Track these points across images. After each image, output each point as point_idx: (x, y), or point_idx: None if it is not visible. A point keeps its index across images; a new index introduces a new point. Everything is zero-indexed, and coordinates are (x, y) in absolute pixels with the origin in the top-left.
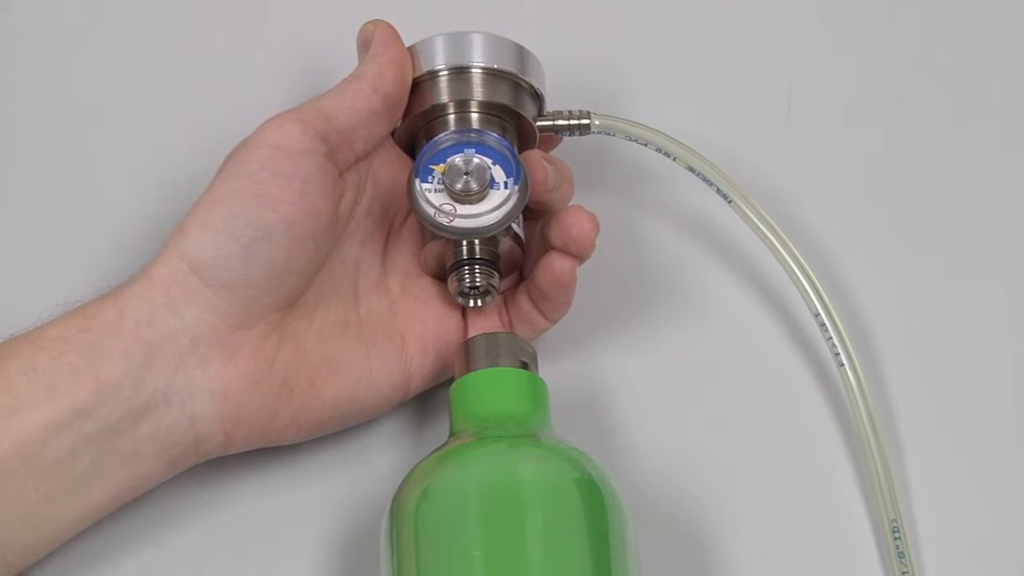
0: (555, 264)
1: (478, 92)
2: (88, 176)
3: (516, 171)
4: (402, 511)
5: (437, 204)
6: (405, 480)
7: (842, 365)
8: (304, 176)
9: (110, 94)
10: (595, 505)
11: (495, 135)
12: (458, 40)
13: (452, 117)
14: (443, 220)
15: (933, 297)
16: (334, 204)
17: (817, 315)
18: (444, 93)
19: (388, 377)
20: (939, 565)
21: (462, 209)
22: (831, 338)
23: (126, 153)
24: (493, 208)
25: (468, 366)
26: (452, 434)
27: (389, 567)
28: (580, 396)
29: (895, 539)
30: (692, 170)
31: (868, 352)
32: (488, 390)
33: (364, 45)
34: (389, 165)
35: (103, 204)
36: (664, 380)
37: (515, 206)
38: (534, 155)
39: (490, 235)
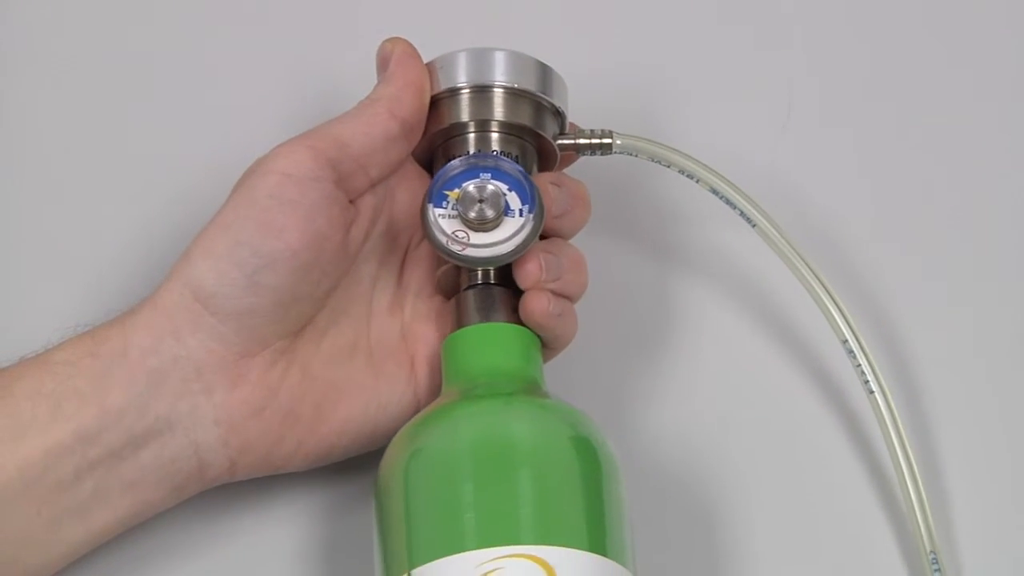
0: (527, 304)
1: (499, 112)
2: (99, 191)
3: (531, 199)
4: (392, 471)
5: (449, 232)
6: (395, 439)
7: (872, 392)
8: (311, 204)
9: (119, 108)
10: (590, 463)
11: (511, 161)
12: (480, 57)
13: (472, 136)
14: (456, 248)
15: (970, 316)
16: (342, 231)
17: (845, 342)
18: (465, 112)
19: (398, 401)
20: None
21: (475, 237)
22: (859, 365)
23: (137, 168)
24: (507, 237)
25: (460, 321)
26: (444, 391)
27: (379, 529)
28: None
29: (934, 572)
30: (715, 192)
31: (902, 380)
32: (480, 345)
33: (383, 64)
34: (407, 185)
35: (113, 221)
36: (685, 407)
37: (529, 235)
38: (541, 180)
39: (504, 264)
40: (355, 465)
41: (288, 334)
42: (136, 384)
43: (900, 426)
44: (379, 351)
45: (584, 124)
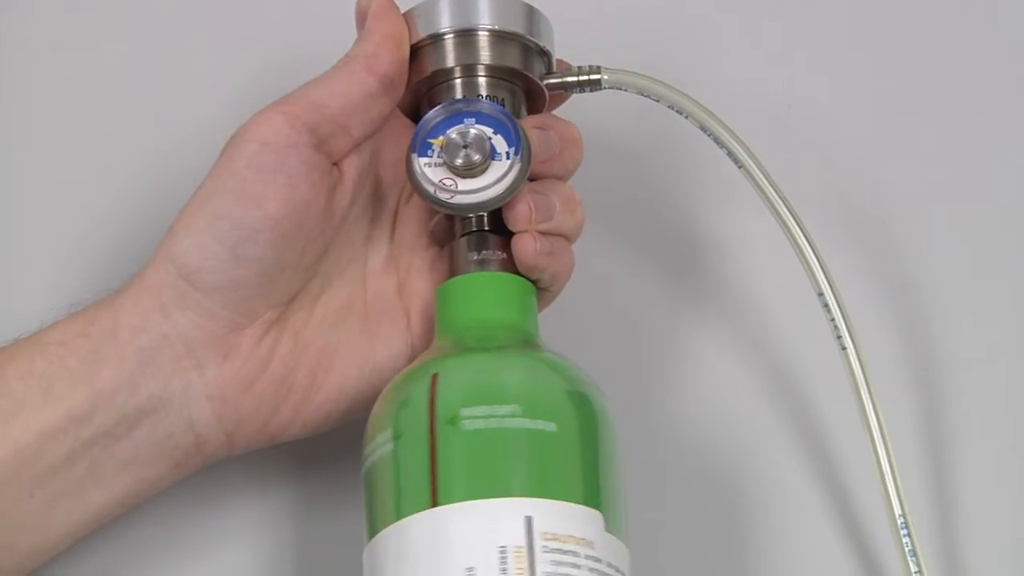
0: (516, 245)
1: (485, 56)
2: (88, 174)
3: (516, 141)
4: (381, 422)
5: (436, 180)
6: (384, 392)
7: (844, 348)
8: (290, 171)
9: (108, 90)
10: (585, 418)
11: (494, 104)
12: (463, 1)
13: (458, 82)
14: (444, 196)
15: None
16: (325, 195)
17: (821, 294)
18: (449, 58)
19: (394, 362)
20: None
21: (463, 184)
22: (833, 319)
23: (127, 149)
24: (495, 181)
25: (454, 269)
26: (436, 343)
27: (366, 484)
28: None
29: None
30: (704, 130)
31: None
32: (472, 295)
33: (361, 20)
34: (394, 139)
35: (104, 202)
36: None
37: (517, 178)
38: (526, 123)
39: (493, 209)
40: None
41: (278, 304)
42: (127, 363)
43: (870, 384)
44: (374, 311)
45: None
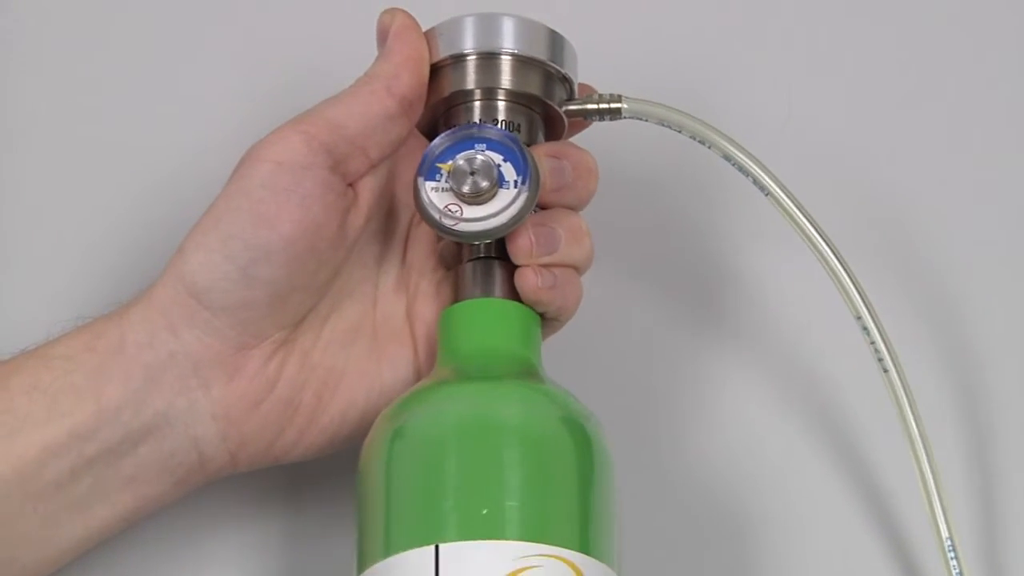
0: (518, 280)
1: (506, 80)
2: (94, 184)
3: (525, 169)
4: (374, 450)
5: (442, 206)
6: (379, 417)
7: (886, 371)
8: (305, 192)
9: (117, 98)
10: (581, 451)
11: (505, 131)
12: (487, 22)
13: (477, 105)
14: (448, 223)
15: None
16: (339, 217)
17: (859, 318)
18: (470, 79)
19: (400, 386)
20: None
21: (468, 211)
22: (873, 343)
23: (134, 159)
24: (500, 210)
25: (458, 295)
26: (437, 368)
27: (358, 510)
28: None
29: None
30: (728, 159)
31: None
32: (474, 321)
33: (382, 37)
34: (411, 158)
35: (110, 212)
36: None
37: (523, 207)
38: (537, 152)
39: (498, 237)
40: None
41: (287, 325)
42: (133, 380)
43: (915, 404)
44: (383, 333)
45: None
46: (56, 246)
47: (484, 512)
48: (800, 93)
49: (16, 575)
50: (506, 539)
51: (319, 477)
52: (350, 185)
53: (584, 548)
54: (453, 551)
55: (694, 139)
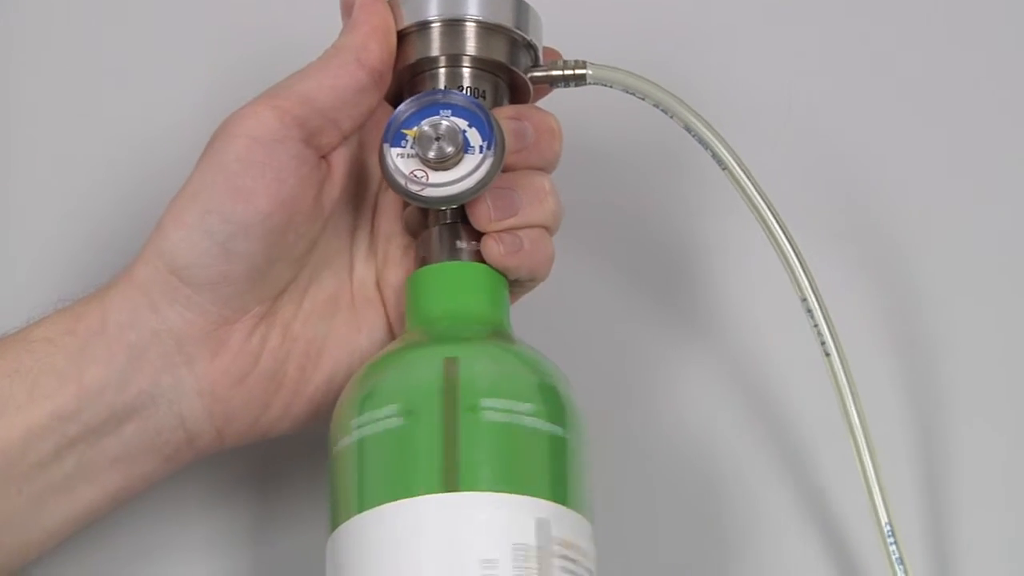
0: (483, 247)
1: (472, 47)
2: (71, 165)
3: (490, 135)
4: (345, 414)
5: (407, 172)
6: (350, 381)
7: (828, 355)
8: (279, 165)
9: (91, 80)
10: (552, 408)
11: (470, 96)
12: None
13: (443, 71)
14: (414, 189)
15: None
16: (314, 189)
17: (804, 300)
18: (435, 47)
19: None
20: None
21: (434, 176)
22: (816, 325)
23: (109, 139)
24: (466, 175)
25: (424, 259)
26: (406, 332)
27: (332, 471)
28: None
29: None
30: (689, 130)
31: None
32: (440, 285)
33: (347, 9)
34: (379, 126)
35: (87, 193)
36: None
37: (488, 172)
38: (500, 114)
39: (464, 202)
40: None
41: (267, 298)
42: (116, 360)
43: (855, 387)
44: (360, 301)
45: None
46: (34, 230)
47: (513, 469)
48: (798, 86)
49: (3, 555)
50: (479, 491)
51: (286, 460)
52: (323, 157)
53: (560, 499)
54: (427, 503)
55: (657, 107)
